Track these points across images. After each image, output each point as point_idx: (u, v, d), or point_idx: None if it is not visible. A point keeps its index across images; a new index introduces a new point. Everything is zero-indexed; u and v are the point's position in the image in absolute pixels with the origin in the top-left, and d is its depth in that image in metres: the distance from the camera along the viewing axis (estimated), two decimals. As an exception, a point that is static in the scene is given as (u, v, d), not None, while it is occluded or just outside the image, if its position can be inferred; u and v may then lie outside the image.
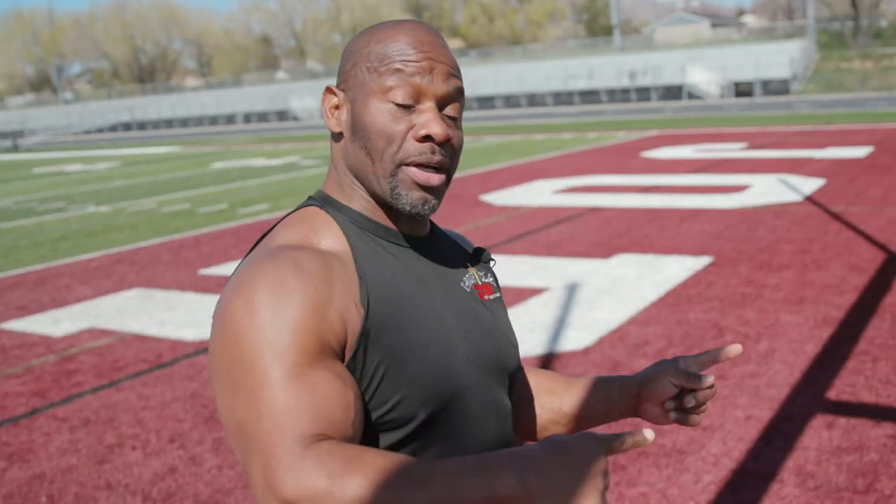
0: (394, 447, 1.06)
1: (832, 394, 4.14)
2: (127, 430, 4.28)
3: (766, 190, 11.01)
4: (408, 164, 1.10)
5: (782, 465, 3.43)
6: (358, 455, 0.91)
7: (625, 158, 16.64)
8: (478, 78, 50.20)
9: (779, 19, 65.30)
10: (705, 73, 42.70)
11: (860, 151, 14.70)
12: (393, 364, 1.05)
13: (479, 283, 1.25)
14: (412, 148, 1.10)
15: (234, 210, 12.85)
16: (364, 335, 1.03)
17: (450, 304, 1.15)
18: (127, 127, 60.87)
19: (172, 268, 8.49)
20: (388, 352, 1.05)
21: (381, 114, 1.10)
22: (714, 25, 76.99)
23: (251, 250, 1.12)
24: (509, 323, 1.28)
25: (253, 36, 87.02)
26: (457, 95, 1.13)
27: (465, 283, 1.22)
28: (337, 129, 1.16)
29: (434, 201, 1.12)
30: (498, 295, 1.28)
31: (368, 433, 1.05)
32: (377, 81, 1.10)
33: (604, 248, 7.99)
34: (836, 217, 8.79)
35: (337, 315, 1.02)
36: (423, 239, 1.20)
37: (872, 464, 3.39)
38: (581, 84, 46.70)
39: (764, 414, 3.93)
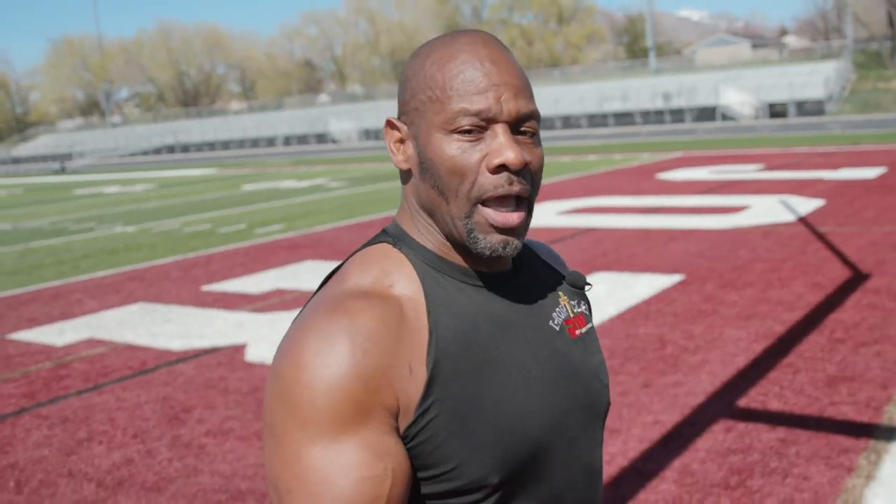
0: None
1: (743, 402, 4.42)
2: (98, 427, 4.72)
3: (765, 211, 11.20)
4: (484, 203, 1.01)
5: (669, 464, 3.73)
6: None
7: (640, 180, 16.87)
8: (513, 100, 50.64)
9: (820, 40, 64.86)
10: (739, 95, 42.63)
11: (872, 172, 14.77)
12: (459, 426, 0.97)
13: (571, 315, 1.15)
14: (487, 182, 1.00)
15: (251, 230, 13.38)
16: (426, 396, 0.96)
17: (534, 349, 1.06)
18: (171, 149, 62.43)
19: (178, 284, 8.98)
20: (455, 412, 0.97)
21: (448, 148, 1.00)
22: (755, 46, 76.67)
23: (322, 284, 1.08)
24: (600, 356, 1.17)
25: (294, 60, 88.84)
26: (528, 113, 1.02)
27: (554, 321, 1.12)
28: (405, 167, 1.07)
29: (516, 242, 1.03)
30: (590, 325, 1.18)
31: (432, 501, 1.00)
32: (439, 112, 1.01)
33: (585, 267, 8.30)
34: (821, 237, 8.99)
35: (388, 382, 0.95)
36: (507, 275, 1.10)
37: (752, 463, 3.67)
38: (615, 106, 46.89)
39: (672, 419, 4.23)
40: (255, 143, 59.23)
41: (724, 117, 42.45)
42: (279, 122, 60.01)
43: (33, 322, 7.58)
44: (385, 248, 1.06)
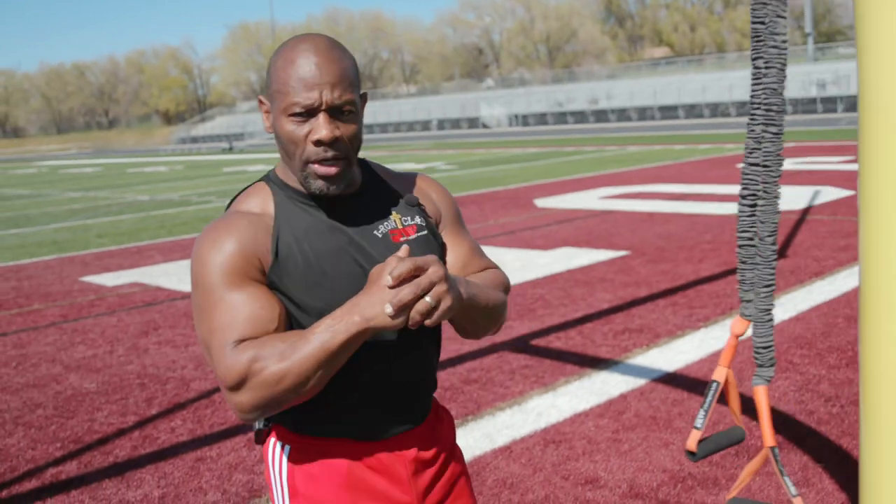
0: None
1: (537, 341, 5.61)
2: (91, 335, 6.54)
3: (786, 200, 11.77)
4: (311, 162, 1.46)
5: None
6: (263, 342, 1.38)
7: (715, 169, 17.42)
8: (660, 89, 50.56)
9: None
10: (896, 83, 40.66)
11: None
12: (291, 295, 1.48)
13: (399, 226, 1.58)
14: (310, 150, 1.45)
15: (332, 205, 15.19)
16: (272, 273, 1.48)
17: (352, 250, 1.52)
18: (333, 131, 66.12)
19: (232, 246, 10.86)
20: (288, 287, 1.48)
21: (287, 126, 1.45)
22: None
23: (226, 208, 1.59)
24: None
25: (452, 46, 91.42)
26: (343, 102, 1.44)
27: (378, 231, 1.56)
28: (270, 132, 1.53)
29: (338, 183, 1.48)
30: (424, 233, 1.60)
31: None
32: (282, 102, 1.45)
33: (559, 242, 9.45)
34: (797, 224, 9.67)
35: (256, 258, 1.47)
36: (350, 197, 1.56)
37: (484, 378, 4.92)
38: (765, 93, 45.79)
39: (465, 348, 5.49)
40: (411, 126, 61.86)
41: (878, 106, 40.63)
42: (434, 106, 62.28)
43: (105, 269, 9.66)
44: (260, 185, 1.58)
